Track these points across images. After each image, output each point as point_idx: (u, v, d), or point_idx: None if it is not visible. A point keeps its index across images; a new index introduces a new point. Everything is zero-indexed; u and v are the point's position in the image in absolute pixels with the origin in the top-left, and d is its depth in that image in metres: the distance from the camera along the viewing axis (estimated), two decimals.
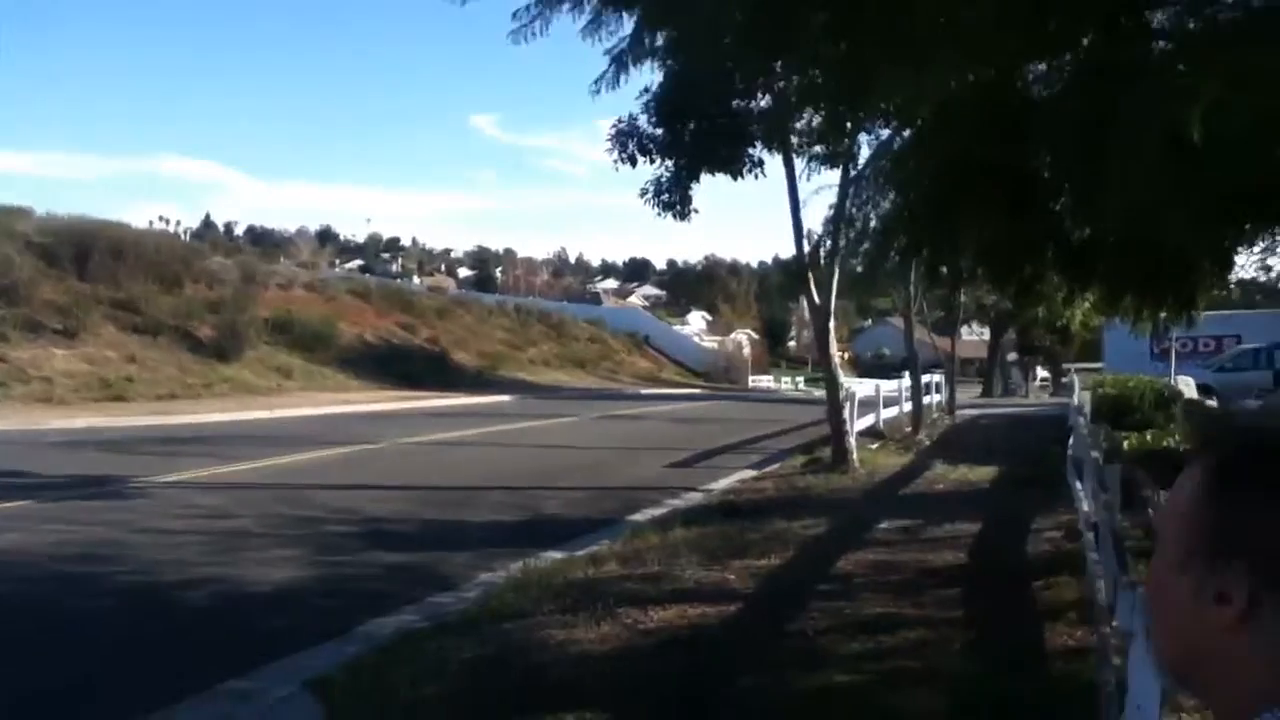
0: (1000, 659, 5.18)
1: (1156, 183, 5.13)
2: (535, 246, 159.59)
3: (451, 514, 9.64)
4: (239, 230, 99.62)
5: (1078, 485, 8.40)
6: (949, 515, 9.14)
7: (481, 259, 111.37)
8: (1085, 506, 7.16)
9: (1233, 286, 14.71)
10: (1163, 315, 9.20)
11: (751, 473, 12.87)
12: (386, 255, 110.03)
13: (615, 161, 12.10)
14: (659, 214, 13.38)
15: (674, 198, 13.29)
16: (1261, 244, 8.16)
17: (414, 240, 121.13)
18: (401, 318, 35.08)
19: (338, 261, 79.87)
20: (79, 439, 14.00)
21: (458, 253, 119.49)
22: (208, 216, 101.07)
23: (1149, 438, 13.70)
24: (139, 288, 24.25)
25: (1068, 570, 6.83)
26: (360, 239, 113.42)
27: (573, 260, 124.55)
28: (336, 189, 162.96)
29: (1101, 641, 4.46)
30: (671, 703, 4.62)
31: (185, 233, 66.27)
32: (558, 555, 7.65)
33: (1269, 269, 12.47)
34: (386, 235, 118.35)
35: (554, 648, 5.37)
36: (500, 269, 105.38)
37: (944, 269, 8.57)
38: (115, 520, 8.54)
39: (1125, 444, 12.59)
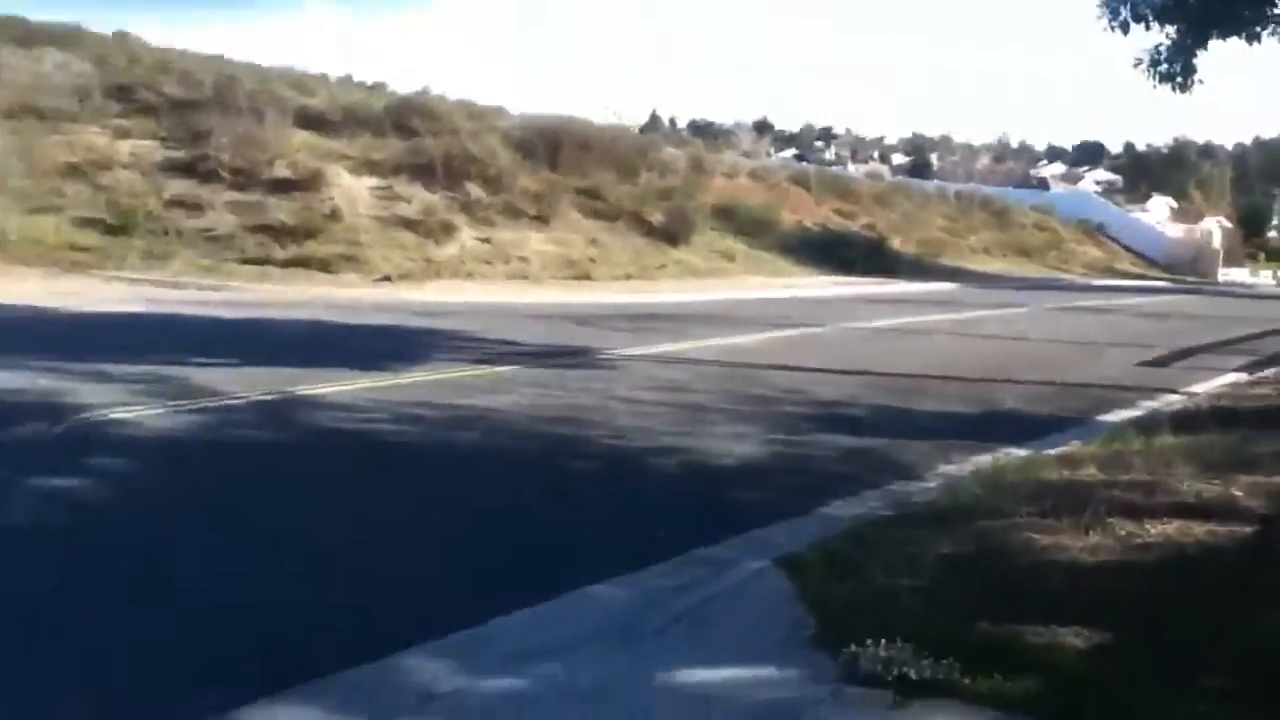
0: None
1: None
2: (973, 132, 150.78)
3: (901, 401, 9.35)
4: (681, 124, 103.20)
5: None
6: None
7: (916, 145, 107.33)
8: None
9: None
10: None
11: (1243, 376, 11.31)
12: (820, 144, 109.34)
13: (1107, 28, 10.76)
14: (1155, 85, 11.94)
15: (1174, 67, 11.77)
16: None
17: (847, 129, 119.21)
18: (839, 204, 34.78)
19: (772, 150, 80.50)
20: (551, 313, 15.28)
21: (891, 140, 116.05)
22: (654, 111, 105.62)
23: None
24: (600, 177, 25.81)
25: None
26: (795, 129, 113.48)
27: (1015, 145, 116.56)
28: (770, 79, 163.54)
29: None
30: (1182, 630, 4.06)
31: (636, 127, 69.79)
32: (1023, 453, 7.12)
33: None
34: (819, 124, 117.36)
35: (1037, 553, 4.94)
36: (936, 155, 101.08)
37: None
38: (589, 388, 9.16)
39: None
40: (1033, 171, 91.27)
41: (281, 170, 19.99)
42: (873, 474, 6.63)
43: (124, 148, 19.59)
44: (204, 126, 20.14)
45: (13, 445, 6.11)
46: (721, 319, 15.16)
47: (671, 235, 24.85)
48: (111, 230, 17.18)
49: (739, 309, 17.34)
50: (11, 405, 6.89)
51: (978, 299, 22.21)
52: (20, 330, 10.73)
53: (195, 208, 18.45)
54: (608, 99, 40.12)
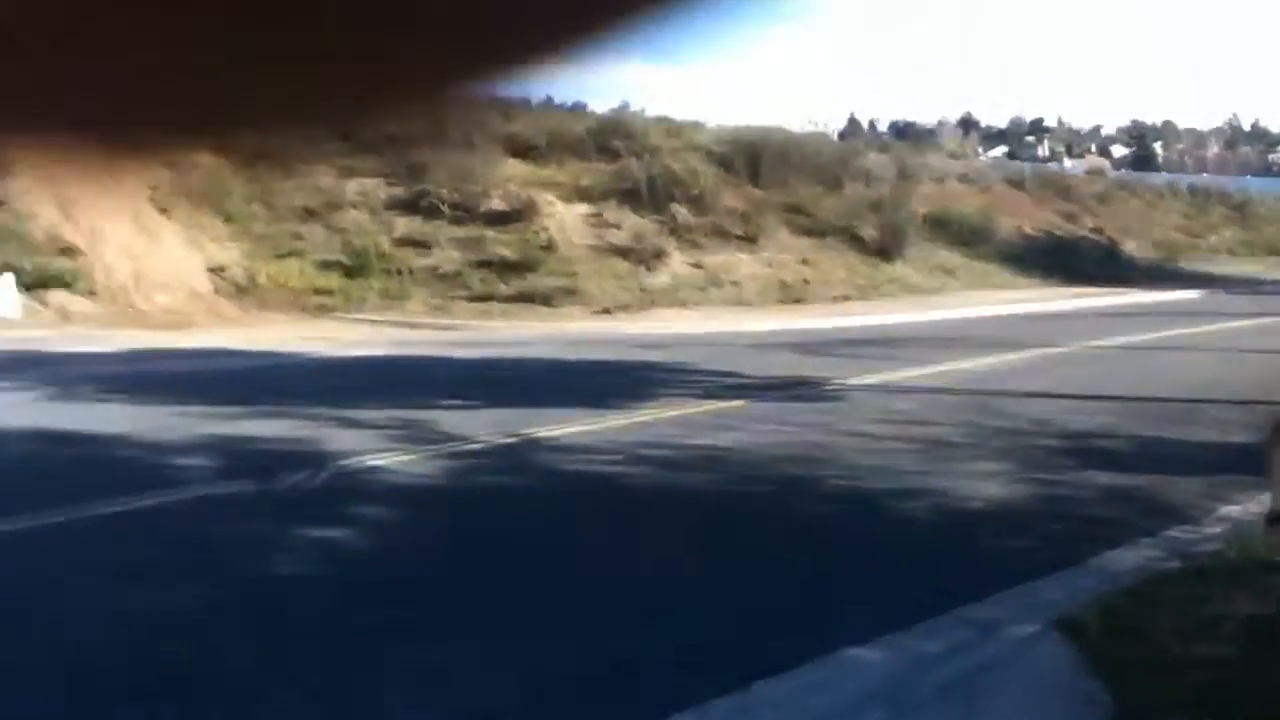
0: None
1: None
2: (1198, 117, 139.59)
3: (1165, 431, 8.65)
4: (881, 126, 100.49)
5: None
6: None
7: (1137, 134, 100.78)
8: None
9: None
10: None
11: None
12: (1031, 138, 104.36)
13: None
14: None
15: None
16: None
17: (1059, 120, 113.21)
18: (1060, 206, 32.97)
19: (980, 149, 77.36)
20: (770, 341, 15.10)
21: (1109, 129, 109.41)
22: (852, 114, 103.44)
23: None
24: (804, 191, 25.32)
25: None
26: (1001, 124, 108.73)
27: (1246, 128, 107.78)
28: (970, 70, 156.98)
29: None
30: None
31: (835, 132, 68.29)
32: None
33: None
34: (1028, 117, 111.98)
35: None
36: (1160, 144, 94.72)
37: None
38: (819, 422, 8.91)
39: None
40: (1272, 157, 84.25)
41: (496, 202, 20.66)
42: (1143, 518, 6.13)
43: (351, 187, 20.67)
44: (419, 160, 20.99)
45: (280, 496, 6.45)
46: (949, 341, 14.56)
47: (885, 250, 24.18)
48: (349, 272, 18.21)
49: (966, 329, 16.62)
50: (275, 454, 7.31)
51: (1231, 307, 20.51)
52: (276, 376, 11.45)
53: (423, 245, 19.35)
54: (803, 105, 39.28)
